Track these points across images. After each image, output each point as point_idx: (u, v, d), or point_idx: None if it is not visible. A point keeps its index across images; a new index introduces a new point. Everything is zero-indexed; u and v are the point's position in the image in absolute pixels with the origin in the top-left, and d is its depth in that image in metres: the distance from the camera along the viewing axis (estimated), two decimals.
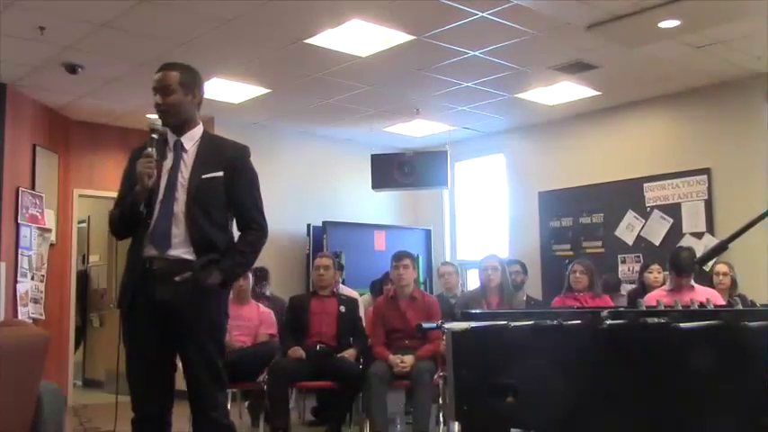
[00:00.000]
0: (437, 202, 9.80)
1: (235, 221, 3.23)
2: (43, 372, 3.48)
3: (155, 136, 3.09)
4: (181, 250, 3.05)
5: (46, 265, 7.48)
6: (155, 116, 3.18)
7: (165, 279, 3.01)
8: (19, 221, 7.03)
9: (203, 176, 3.10)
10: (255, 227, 3.20)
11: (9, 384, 3.17)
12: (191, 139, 3.17)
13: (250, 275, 5.87)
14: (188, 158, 3.14)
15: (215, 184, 3.12)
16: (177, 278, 3.00)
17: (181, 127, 3.16)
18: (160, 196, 3.07)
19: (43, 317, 7.23)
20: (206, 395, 3.07)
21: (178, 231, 3.05)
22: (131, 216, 3.08)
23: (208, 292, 3.06)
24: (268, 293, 7.00)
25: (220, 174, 3.12)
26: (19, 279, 6.97)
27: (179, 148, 3.15)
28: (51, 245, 7.65)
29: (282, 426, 5.23)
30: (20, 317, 6.76)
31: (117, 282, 7.66)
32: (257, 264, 7.17)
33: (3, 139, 6.88)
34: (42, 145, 7.61)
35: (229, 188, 3.14)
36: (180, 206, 3.07)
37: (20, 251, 7.02)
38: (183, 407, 3.19)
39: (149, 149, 3.04)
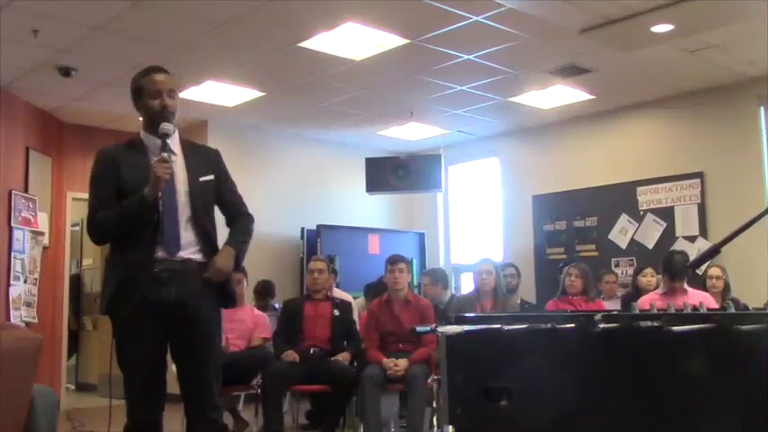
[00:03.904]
0: (431, 206, 9.81)
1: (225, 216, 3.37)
2: (36, 375, 3.47)
3: (169, 142, 3.12)
4: (188, 251, 3.10)
5: (39, 269, 7.44)
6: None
7: (172, 280, 3.03)
8: (12, 224, 7.00)
9: (200, 179, 3.18)
10: (246, 211, 3.36)
11: (1, 387, 3.15)
12: (176, 143, 3.23)
13: (244, 279, 5.87)
14: (179, 161, 3.17)
15: (210, 187, 3.22)
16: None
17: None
18: (161, 199, 3.07)
19: (36, 320, 7.20)
20: (208, 395, 3.11)
21: (186, 233, 3.10)
22: (139, 218, 3.02)
23: (217, 289, 3.15)
24: (276, 306, 7.00)
25: (212, 177, 3.23)
26: (12, 282, 6.93)
27: (169, 151, 3.15)
28: (44, 248, 7.62)
29: (276, 429, 5.23)
30: (12, 320, 6.72)
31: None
32: (262, 277, 7.22)
33: None
34: (36, 148, 7.58)
35: (217, 189, 3.27)
36: (184, 208, 3.11)
37: (12, 254, 6.98)
38: (170, 410, 3.17)
39: (165, 155, 3.06)
